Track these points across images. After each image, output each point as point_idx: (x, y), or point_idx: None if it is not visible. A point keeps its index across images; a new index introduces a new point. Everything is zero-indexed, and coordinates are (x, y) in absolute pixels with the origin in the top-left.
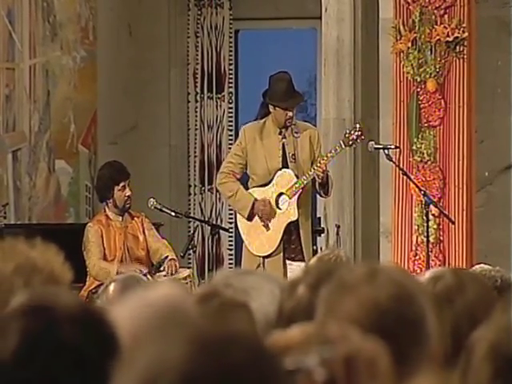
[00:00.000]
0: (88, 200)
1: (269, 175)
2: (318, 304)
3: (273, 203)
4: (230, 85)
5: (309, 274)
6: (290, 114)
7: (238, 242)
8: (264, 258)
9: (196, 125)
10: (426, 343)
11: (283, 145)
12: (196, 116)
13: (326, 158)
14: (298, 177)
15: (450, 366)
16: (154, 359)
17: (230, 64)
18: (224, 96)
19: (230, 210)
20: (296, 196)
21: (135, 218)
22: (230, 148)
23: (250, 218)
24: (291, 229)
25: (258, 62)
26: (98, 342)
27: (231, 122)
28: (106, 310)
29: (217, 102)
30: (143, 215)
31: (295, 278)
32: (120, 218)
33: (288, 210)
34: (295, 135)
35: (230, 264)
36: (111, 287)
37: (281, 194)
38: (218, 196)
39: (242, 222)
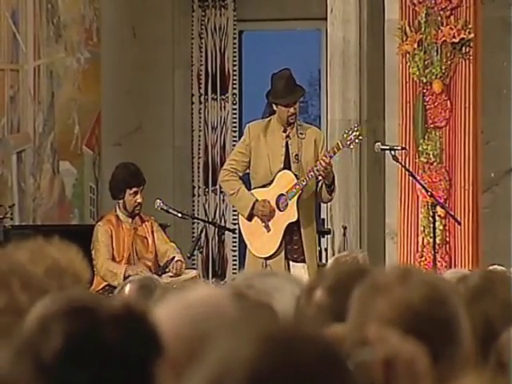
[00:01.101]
0: (92, 201)
1: (270, 175)
2: (350, 305)
3: (273, 204)
4: (234, 86)
5: (326, 277)
6: (292, 110)
7: (242, 243)
8: (266, 259)
9: (200, 126)
10: (460, 344)
11: (287, 144)
12: (200, 117)
13: (323, 160)
14: (298, 178)
15: (479, 367)
16: (223, 357)
17: (234, 65)
18: (228, 97)
19: (234, 211)
20: (296, 197)
21: (145, 222)
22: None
23: (249, 218)
24: (293, 229)
25: (262, 63)
26: (141, 342)
27: (235, 123)
28: (148, 310)
29: (221, 103)
30: (153, 219)
31: (312, 281)
32: (130, 220)
33: (288, 211)
34: (300, 135)
35: (234, 265)
36: (127, 288)
37: (281, 194)
38: (221, 197)
39: (243, 223)
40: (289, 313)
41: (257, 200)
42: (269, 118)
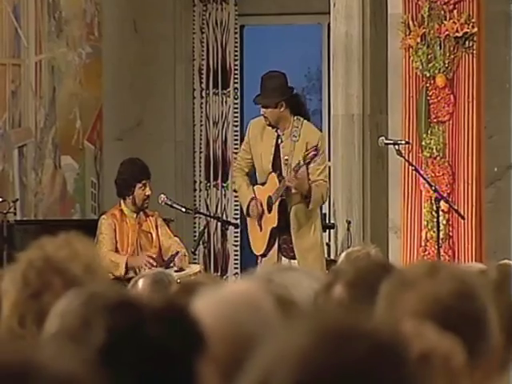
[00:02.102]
0: (94, 196)
1: (264, 175)
2: (379, 300)
3: (264, 205)
4: (236, 80)
5: (345, 273)
6: (263, 110)
7: (244, 238)
8: (260, 256)
9: (201, 121)
10: (489, 339)
11: (277, 145)
12: (201, 112)
13: (288, 178)
14: (280, 182)
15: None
16: (276, 348)
17: (236, 60)
18: (229, 92)
19: (236, 205)
20: (277, 202)
21: (149, 217)
22: (235, 144)
23: (248, 215)
24: (284, 231)
25: (264, 57)
26: (183, 337)
27: (236, 117)
28: (189, 305)
29: (222, 97)
30: (157, 214)
31: (330, 277)
32: (134, 215)
33: (271, 215)
34: (293, 138)
35: (236, 260)
36: (140, 282)
37: (270, 196)
38: (223, 192)
39: (247, 219)
40: (307, 307)
41: (252, 198)
42: None
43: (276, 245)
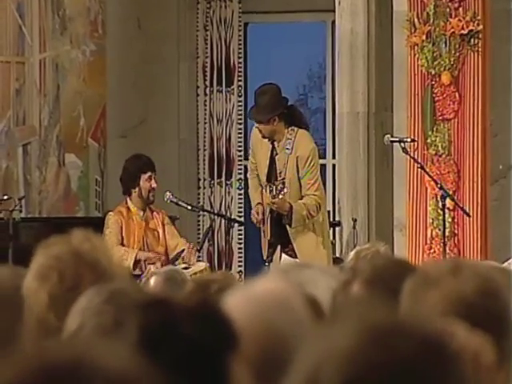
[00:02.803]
0: (98, 194)
1: (264, 182)
2: (402, 298)
3: (266, 212)
4: (240, 78)
5: (363, 271)
6: (256, 124)
7: (248, 235)
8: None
9: (205, 118)
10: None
11: (272, 157)
12: (205, 109)
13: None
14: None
15: None
16: (323, 346)
17: (240, 57)
18: (233, 89)
19: (240, 203)
20: (268, 214)
21: (155, 214)
22: (239, 141)
23: None
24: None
25: (268, 55)
26: (216, 335)
27: (240, 115)
28: (221, 303)
29: (226, 95)
30: (163, 212)
31: (347, 275)
32: (141, 213)
33: (266, 228)
34: (286, 151)
35: (240, 258)
36: (152, 280)
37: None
38: (227, 189)
39: None
40: (325, 304)
41: (257, 204)
42: None
43: (278, 253)
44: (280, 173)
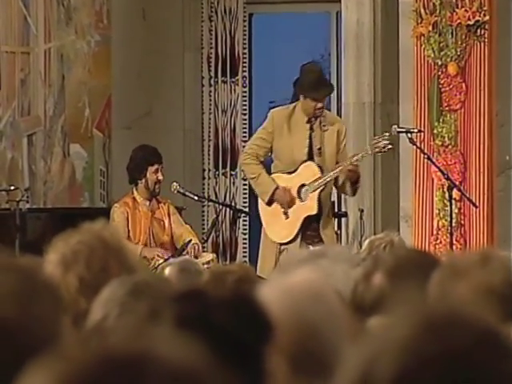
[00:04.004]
0: (102, 184)
1: (293, 165)
2: (430, 289)
3: (294, 193)
4: (244, 69)
5: (384, 262)
6: (320, 104)
7: (253, 226)
8: (281, 244)
9: (210, 109)
10: None
11: (310, 136)
12: (210, 100)
13: (350, 168)
14: (322, 170)
15: None
16: (379, 339)
17: (244, 48)
18: (238, 80)
19: (245, 194)
20: (318, 191)
21: (161, 204)
22: (244, 132)
23: (269, 204)
24: (312, 218)
25: (272, 45)
26: (251, 325)
27: (245, 105)
28: (256, 294)
29: (231, 85)
30: (169, 202)
31: (369, 266)
32: (147, 203)
33: (308, 203)
34: (323, 127)
35: (245, 248)
36: (167, 270)
37: (303, 185)
38: (232, 180)
39: (262, 207)
40: (344, 293)
41: (278, 187)
42: (293, 105)
43: (300, 233)
44: (319, 149)
